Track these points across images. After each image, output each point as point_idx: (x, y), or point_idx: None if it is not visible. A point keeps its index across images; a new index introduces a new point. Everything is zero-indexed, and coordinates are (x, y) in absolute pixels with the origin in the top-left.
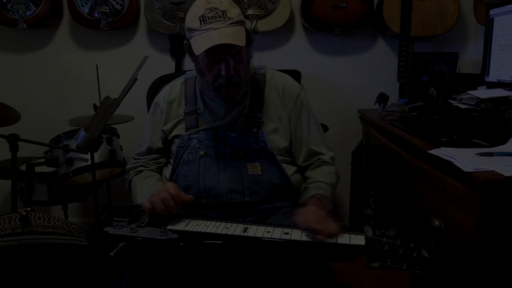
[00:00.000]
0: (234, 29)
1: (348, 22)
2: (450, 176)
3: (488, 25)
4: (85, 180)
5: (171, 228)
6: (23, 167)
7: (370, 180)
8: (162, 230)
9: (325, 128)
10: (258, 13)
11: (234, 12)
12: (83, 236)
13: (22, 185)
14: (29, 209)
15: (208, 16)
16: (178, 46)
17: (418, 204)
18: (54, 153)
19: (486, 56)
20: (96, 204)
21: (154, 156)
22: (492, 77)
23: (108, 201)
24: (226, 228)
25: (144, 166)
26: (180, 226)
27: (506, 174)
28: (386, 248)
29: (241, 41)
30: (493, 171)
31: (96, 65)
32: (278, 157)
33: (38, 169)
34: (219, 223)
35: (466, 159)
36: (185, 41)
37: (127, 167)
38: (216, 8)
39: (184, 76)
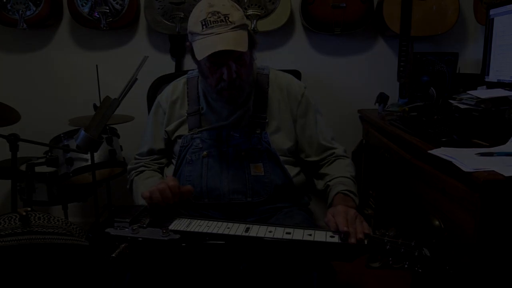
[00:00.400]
0: (236, 33)
1: (348, 22)
2: (450, 176)
3: (488, 25)
4: (85, 180)
5: (172, 228)
6: (23, 167)
7: (370, 180)
8: (164, 231)
9: None
10: (258, 13)
11: (237, 15)
12: (83, 236)
13: (22, 185)
14: (29, 209)
15: (210, 21)
16: (178, 46)
17: (418, 204)
18: (54, 153)
19: (486, 56)
20: (96, 204)
21: (155, 156)
22: (492, 77)
23: (108, 201)
24: (228, 228)
25: (145, 167)
26: (182, 226)
27: (506, 174)
28: (388, 247)
29: (242, 47)
30: (493, 171)
31: (96, 65)
32: (281, 158)
33: (38, 169)
34: (221, 223)
35: (466, 159)
36: (187, 43)
37: (128, 167)
38: (218, 12)
39: (186, 76)
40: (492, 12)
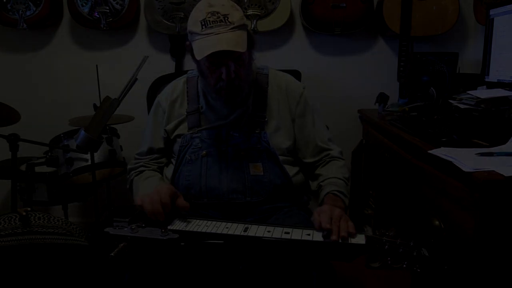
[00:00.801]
0: (235, 34)
1: (348, 22)
2: (450, 176)
3: (488, 25)
4: (85, 180)
5: (171, 228)
6: (23, 167)
7: (370, 180)
8: (163, 230)
9: None
10: (258, 13)
11: (236, 16)
12: (83, 236)
13: (22, 185)
14: (29, 209)
15: (209, 21)
16: (178, 46)
17: (418, 204)
18: (54, 153)
19: (486, 56)
20: (96, 204)
21: (155, 156)
22: (492, 77)
23: (108, 201)
24: (227, 228)
25: (145, 166)
26: (181, 226)
27: (506, 174)
28: (386, 247)
29: (241, 47)
30: (493, 171)
31: (96, 65)
32: (280, 158)
33: (38, 169)
34: (220, 223)
35: (466, 159)
36: (187, 43)
37: (128, 167)
38: (217, 12)
39: (186, 75)
40: (492, 12)
